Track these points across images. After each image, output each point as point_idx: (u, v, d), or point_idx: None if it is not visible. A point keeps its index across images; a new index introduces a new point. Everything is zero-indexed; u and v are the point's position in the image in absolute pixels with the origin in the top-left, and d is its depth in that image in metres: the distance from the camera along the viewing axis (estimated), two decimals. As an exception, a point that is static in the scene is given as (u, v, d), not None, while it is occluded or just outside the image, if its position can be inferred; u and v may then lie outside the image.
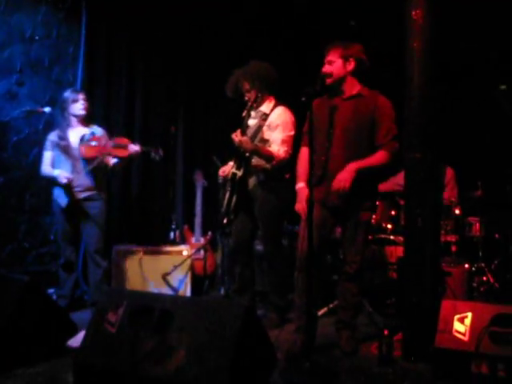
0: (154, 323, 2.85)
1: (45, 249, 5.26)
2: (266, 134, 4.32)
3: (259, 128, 4.33)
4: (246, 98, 4.40)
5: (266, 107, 4.40)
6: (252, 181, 4.38)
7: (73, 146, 4.61)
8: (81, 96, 4.67)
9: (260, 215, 4.39)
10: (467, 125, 4.52)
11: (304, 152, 3.90)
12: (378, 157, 3.66)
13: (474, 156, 6.30)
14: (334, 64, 3.71)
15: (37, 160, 4.84)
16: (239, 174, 4.28)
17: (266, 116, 4.22)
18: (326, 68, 3.72)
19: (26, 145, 5.18)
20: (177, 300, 3.15)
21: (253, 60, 4.45)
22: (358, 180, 3.56)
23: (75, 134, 4.65)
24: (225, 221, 4.26)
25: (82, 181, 4.60)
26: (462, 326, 3.23)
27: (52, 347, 3.52)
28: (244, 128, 4.32)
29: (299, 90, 3.29)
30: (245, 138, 4.14)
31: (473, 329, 3.19)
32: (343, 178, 3.55)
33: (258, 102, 4.36)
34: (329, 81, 3.69)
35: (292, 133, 4.35)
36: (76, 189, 4.58)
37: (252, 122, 4.43)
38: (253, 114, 4.44)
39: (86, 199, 4.63)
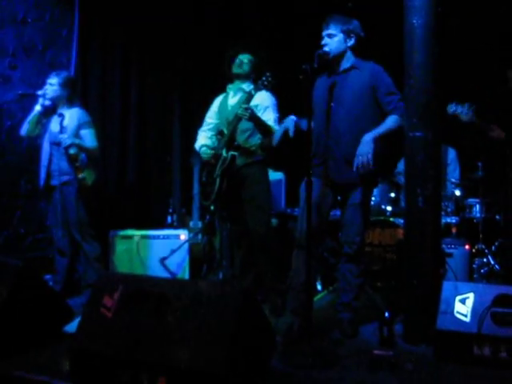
0: (151, 307, 2.81)
1: (41, 235, 5.22)
2: None
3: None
4: (239, 69, 4.41)
5: (247, 87, 4.37)
6: (240, 161, 4.33)
7: (51, 130, 4.59)
8: (48, 79, 4.62)
9: (251, 195, 4.35)
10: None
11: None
12: (390, 121, 3.66)
13: (475, 136, 6.25)
14: (335, 38, 3.68)
15: (31, 144, 4.78)
16: (228, 155, 4.23)
17: (249, 95, 4.14)
18: (326, 41, 3.68)
19: (20, 129, 5.11)
20: (174, 284, 3.11)
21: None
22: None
23: (55, 118, 4.59)
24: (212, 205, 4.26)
25: (58, 165, 4.55)
26: (463, 307, 3.20)
27: (48, 333, 3.48)
28: (226, 105, 4.43)
29: (296, 68, 3.24)
30: (252, 108, 4.11)
31: (475, 310, 3.16)
32: (363, 151, 3.52)
33: (244, 78, 4.42)
34: (327, 57, 3.63)
35: (278, 115, 4.38)
36: (53, 173, 4.58)
37: (233, 101, 4.45)
38: (232, 92, 4.49)
39: (63, 184, 4.57)
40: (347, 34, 3.69)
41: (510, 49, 5.55)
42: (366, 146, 3.53)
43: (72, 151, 4.47)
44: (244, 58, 4.40)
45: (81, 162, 4.53)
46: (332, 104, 3.71)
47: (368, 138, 3.55)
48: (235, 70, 4.43)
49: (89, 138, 4.62)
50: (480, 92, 5.72)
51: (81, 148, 4.54)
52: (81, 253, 4.71)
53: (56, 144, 4.52)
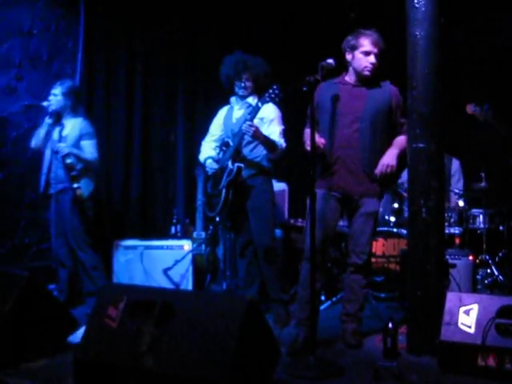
0: (156, 317, 2.81)
1: (45, 244, 5.21)
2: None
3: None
4: (241, 84, 4.42)
5: (252, 100, 4.41)
6: (246, 172, 4.34)
7: (52, 138, 4.61)
8: (52, 90, 4.66)
9: (256, 206, 4.36)
10: (472, 116, 4.49)
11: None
12: (404, 140, 3.77)
13: (479, 147, 6.28)
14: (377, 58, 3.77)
15: (36, 154, 4.80)
16: (234, 167, 4.24)
17: (257, 107, 4.15)
18: (375, 60, 3.76)
19: (26, 140, 5.12)
20: (178, 294, 3.13)
21: (254, 53, 4.47)
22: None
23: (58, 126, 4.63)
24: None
25: (56, 173, 4.58)
26: (467, 319, 3.19)
27: (53, 343, 3.49)
28: (231, 118, 4.47)
29: (300, 80, 3.26)
30: (256, 126, 4.12)
31: (479, 321, 3.16)
32: (389, 161, 3.69)
33: (247, 94, 4.44)
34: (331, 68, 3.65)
35: (284, 127, 4.41)
36: (51, 181, 4.61)
37: (238, 114, 4.46)
38: (237, 105, 4.51)
39: (59, 192, 4.60)
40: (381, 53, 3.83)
41: None
42: (392, 158, 3.69)
43: (69, 160, 4.49)
44: (246, 80, 4.40)
45: (77, 171, 4.55)
46: (345, 117, 3.73)
47: (395, 152, 3.72)
48: (239, 92, 4.46)
49: (89, 149, 4.63)
50: (499, 94, 5.77)
51: (79, 158, 4.55)
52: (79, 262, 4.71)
53: (55, 152, 4.55)
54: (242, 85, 4.41)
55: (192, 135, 6.39)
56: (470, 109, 4.44)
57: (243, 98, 4.46)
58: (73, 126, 4.63)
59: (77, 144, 4.59)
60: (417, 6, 3.56)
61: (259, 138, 4.15)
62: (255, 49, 4.54)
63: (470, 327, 3.17)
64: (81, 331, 3.21)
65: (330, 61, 3.62)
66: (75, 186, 4.51)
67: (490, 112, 4.36)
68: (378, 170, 3.68)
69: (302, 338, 3.58)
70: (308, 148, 3.56)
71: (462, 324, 3.19)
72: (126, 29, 5.95)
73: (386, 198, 5.62)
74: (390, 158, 3.69)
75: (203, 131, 4.78)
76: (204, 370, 2.57)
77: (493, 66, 6.09)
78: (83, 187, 4.56)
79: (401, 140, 3.80)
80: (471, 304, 3.24)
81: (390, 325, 3.43)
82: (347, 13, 6.08)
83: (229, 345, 2.60)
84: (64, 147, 4.47)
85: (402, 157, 3.75)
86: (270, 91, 3.99)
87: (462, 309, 3.24)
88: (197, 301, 2.89)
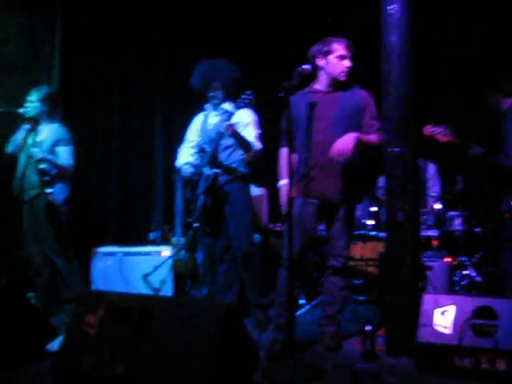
0: (134, 324, 2.81)
1: (22, 252, 5.16)
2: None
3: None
4: (212, 95, 4.45)
5: (228, 106, 4.42)
6: (223, 178, 4.36)
7: (28, 143, 4.58)
8: (29, 96, 4.63)
9: (234, 211, 4.39)
10: (449, 119, 4.55)
11: (285, 151, 3.92)
12: (373, 137, 3.77)
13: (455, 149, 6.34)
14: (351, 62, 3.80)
15: (12, 159, 4.76)
16: (211, 173, 4.27)
17: (230, 113, 4.18)
18: (350, 64, 3.80)
19: (1, 146, 5.08)
20: (157, 300, 3.12)
21: (222, 57, 4.50)
22: (351, 176, 3.71)
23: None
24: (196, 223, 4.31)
25: (29, 179, 4.55)
26: (444, 320, 3.23)
27: (32, 351, 3.46)
28: (206, 124, 4.49)
29: (275, 85, 3.28)
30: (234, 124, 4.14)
31: (455, 322, 3.20)
32: (343, 141, 3.59)
33: (220, 101, 4.45)
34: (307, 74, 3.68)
35: (260, 131, 4.44)
36: (25, 186, 4.56)
37: (214, 120, 4.47)
38: (213, 112, 4.52)
39: (32, 198, 4.57)
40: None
41: (490, 71, 5.65)
42: (347, 141, 3.59)
43: (42, 166, 4.46)
44: (216, 89, 4.43)
45: (50, 177, 4.52)
46: (317, 123, 3.75)
47: (353, 136, 3.63)
48: (212, 101, 4.50)
49: (64, 155, 4.60)
50: (458, 110, 5.83)
51: (53, 164, 4.53)
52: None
53: (29, 157, 4.53)
54: (213, 94, 4.45)
55: (170, 141, 6.38)
56: (427, 130, 4.47)
57: (217, 105, 4.49)
58: (49, 131, 4.60)
59: (52, 150, 4.56)
60: (391, 12, 3.60)
61: (236, 136, 4.18)
62: (231, 56, 4.55)
63: (446, 328, 3.21)
64: (60, 339, 3.20)
65: (307, 67, 3.65)
66: (48, 191, 4.48)
67: (447, 131, 4.40)
68: (332, 149, 3.61)
69: (281, 342, 3.60)
70: (283, 206, 3.76)
71: (438, 325, 3.23)
72: (103, 36, 5.94)
73: (365, 202, 5.66)
74: (343, 141, 3.60)
75: (181, 137, 4.79)
76: (183, 375, 2.57)
77: (463, 70, 6.16)
78: (57, 193, 4.53)
79: (370, 135, 3.77)
80: (447, 305, 3.29)
81: (369, 327, 3.46)
82: (324, 19, 6.12)
83: (208, 350, 2.61)
84: (37, 152, 4.44)
85: (380, 162, 3.78)
86: (244, 97, 4.01)
87: (438, 310, 3.28)
88: (175, 307, 2.89)
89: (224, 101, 4.48)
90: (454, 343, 3.14)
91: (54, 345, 3.51)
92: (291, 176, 3.45)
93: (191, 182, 4.43)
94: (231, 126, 4.07)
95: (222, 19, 6.38)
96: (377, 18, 3.70)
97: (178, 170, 4.73)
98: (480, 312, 3.19)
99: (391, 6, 3.60)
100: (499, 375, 3.03)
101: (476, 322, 3.16)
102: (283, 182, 3.87)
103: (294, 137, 3.78)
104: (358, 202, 3.99)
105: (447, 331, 3.19)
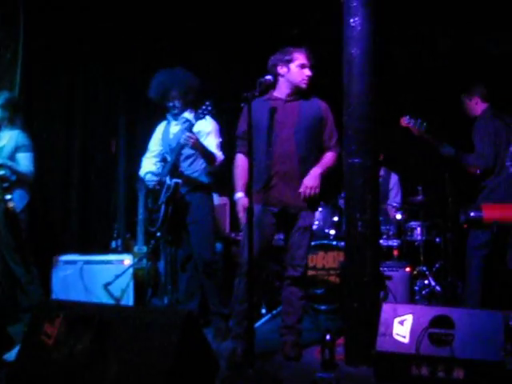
0: (92, 334, 2.78)
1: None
2: None
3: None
4: (171, 105, 4.46)
5: (188, 115, 4.43)
6: (184, 188, 4.37)
7: None
8: None
9: (196, 220, 4.39)
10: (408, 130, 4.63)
11: (241, 159, 3.92)
12: (330, 158, 3.89)
13: (416, 161, 6.45)
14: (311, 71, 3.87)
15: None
16: (172, 183, 4.27)
17: (190, 123, 4.19)
18: (311, 73, 3.87)
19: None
20: (117, 309, 3.10)
21: (179, 66, 4.51)
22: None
23: None
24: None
25: None
26: (402, 329, 3.27)
27: (-13, 362, 3.40)
28: (168, 133, 4.49)
29: (237, 95, 3.30)
30: (196, 136, 4.15)
31: (413, 331, 3.23)
32: (312, 183, 3.73)
33: (179, 111, 4.46)
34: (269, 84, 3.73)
35: (221, 140, 4.47)
36: None
37: (175, 129, 4.48)
38: (174, 121, 4.52)
39: None
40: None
41: (463, 74, 5.78)
42: (315, 180, 3.73)
43: (2, 172, 4.40)
44: (173, 100, 4.44)
45: (9, 183, 4.45)
46: (277, 131, 3.78)
47: (317, 172, 3.76)
48: (172, 111, 4.50)
49: (24, 161, 4.54)
50: (434, 110, 5.94)
51: (13, 171, 4.47)
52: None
53: None
54: (171, 105, 4.46)
55: (133, 149, 6.35)
56: (404, 121, 4.58)
57: (177, 115, 4.49)
58: (9, 137, 4.54)
59: (12, 156, 4.51)
60: (352, 25, 3.65)
61: (198, 148, 4.18)
62: (192, 66, 4.56)
63: (404, 337, 3.24)
64: (17, 349, 3.15)
65: (269, 77, 3.69)
66: (7, 197, 4.41)
67: (423, 126, 4.51)
68: (301, 190, 3.74)
69: (241, 351, 3.60)
70: (241, 220, 3.83)
71: (397, 334, 3.26)
72: (66, 41, 5.88)
73: (326, 212, 5.72)
74: (312, 179, 3.74)
75: (145, 145, 4.77)
76: (141, 385, 2.56)
77: (428, 79, 6.28)
78: (16, 199, 4.47)
79: (327, 157, 3.89)
80: (405, 314, 3.32)
81: (328, 336, 3.49)
82: (289, 29, 6.17)
83: (166, 359, 2.59)
84: None
85: (342, 173, 3.82)
86: (204, 107, 4.04)
87: (397, 319, 3.31)
88: (135, 316, 2.87)
89: (184, 110, 4.48)
90: (412, 352, 3.17)
91: (11, 355, 3.44)
92: (250, 182, 3.45)
93: (153, 192, 4.41)
94: (191, 137, 4.07)
95: (182, 26, 6.38)
96: (338, 30, 3.75)
97: (141, 179, 4.72)
98: (437, 321, 3.23)
99: (353, 19, 3.65)
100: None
101: (433, 331, 3.20)
102: (240, 195, 3.88)
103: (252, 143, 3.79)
104: (316, 211, 4.06)
105: (405, 340, 3.23)
